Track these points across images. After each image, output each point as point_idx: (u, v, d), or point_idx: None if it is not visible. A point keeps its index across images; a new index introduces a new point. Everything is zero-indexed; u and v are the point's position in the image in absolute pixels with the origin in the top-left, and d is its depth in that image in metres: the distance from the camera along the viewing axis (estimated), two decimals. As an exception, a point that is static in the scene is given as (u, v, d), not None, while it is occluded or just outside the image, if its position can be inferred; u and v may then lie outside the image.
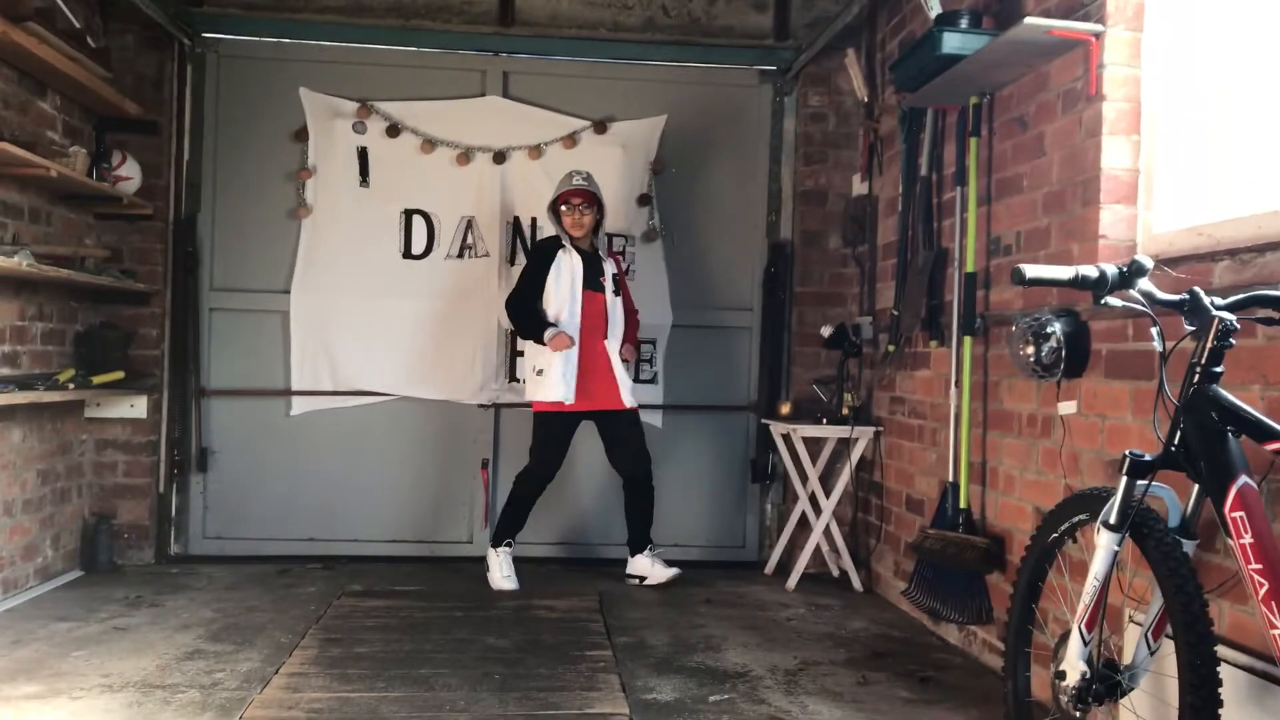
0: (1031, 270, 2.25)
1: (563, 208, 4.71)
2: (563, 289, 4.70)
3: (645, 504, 4.84)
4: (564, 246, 4.74)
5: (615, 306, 4.77)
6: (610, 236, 5.26)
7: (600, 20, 5.34)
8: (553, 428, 4.73)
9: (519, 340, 4.99)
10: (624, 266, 5.20)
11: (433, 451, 5.32)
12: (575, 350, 4.64)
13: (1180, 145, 2.98)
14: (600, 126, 5.30)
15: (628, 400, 4.73)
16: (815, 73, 5.30)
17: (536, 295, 4.72)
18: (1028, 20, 3.15)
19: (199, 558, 5.13)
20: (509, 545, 4.78)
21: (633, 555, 4.86)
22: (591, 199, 4.72)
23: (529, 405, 4.81)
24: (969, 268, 3.82)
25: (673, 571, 4.74)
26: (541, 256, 4.78)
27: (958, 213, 3.91)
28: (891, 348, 4.55)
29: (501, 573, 4.70)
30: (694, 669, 3.57)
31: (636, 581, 4.79)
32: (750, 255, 5.44)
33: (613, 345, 4.74)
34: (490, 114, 5.28)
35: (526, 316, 4.70)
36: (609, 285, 4.77)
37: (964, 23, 3.58)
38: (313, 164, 5.19)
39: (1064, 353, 3.02)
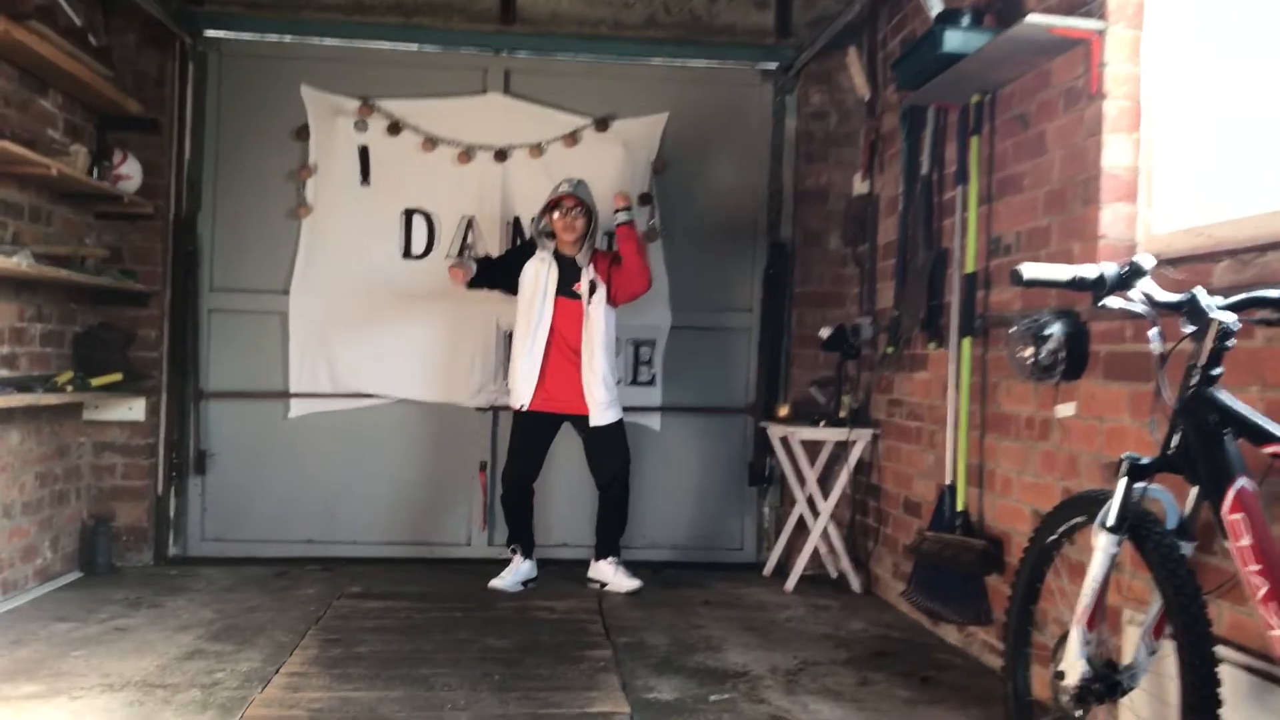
0: (1030, 271, 2.24)
1: (555, 213, 4.68)
2: (532, 293, 4.70)
3: (615, 515, 4.82)
4: (539, 254, 4.74)
5: (593, 314, 4.68)
6: (610, 236, 5.26)
7: (601, 18, 5.33)
8: (517, 427, 4.78)
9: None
10: (611, 247, 5.08)
11: (431, 453, 5.32)
12: (538, 354, 4.67)
13: (1180, 144, 2.97)
14: (601, 124, 5.29)
15: (596, 418, 4.67)
16: (816, 71, 5.29)
17: (494, 263, 4.87)
18: (1029, 18, 3.15)
19: (198, 559, 5.13)
20: (514, 551, 4.79)
21: (596, 560, 4.83)
22: (582, 205, 4.69)
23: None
24: (969, 268, 3.81)
25: (636, 583, 4.70)
26: (519, 250, 4.88)
27: (958, 212, 3.90)
28: (890, 349, 4.54)
29: (504, 577, 4.71)
30: (694, 669, 3.57)
31: (598, 586, 4.76)
32: (750, 255, 5.43)
33: (589, 358, 4.66)
34: (491, 112, 5.27)
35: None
36: (585, 292, 4.69)
37: (965, 21, 3.58)
38: (314, 162, 5.19)
39: (1063, 354, 3.01)
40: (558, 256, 4.73)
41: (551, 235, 4.75)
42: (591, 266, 4.73)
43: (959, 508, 3.79)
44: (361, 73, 5.22)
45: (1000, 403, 3.64)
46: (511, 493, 4.81)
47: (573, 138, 5.28)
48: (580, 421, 4.73)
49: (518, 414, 4.77)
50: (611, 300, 4.75)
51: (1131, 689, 2.28)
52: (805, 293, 5.36)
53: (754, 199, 5.43)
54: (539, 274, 4.71)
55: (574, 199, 4.68)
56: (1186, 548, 2.19)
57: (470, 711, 3.07)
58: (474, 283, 4.77)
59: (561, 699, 3.21)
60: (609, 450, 4.76)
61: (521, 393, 4.70)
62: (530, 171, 5.24)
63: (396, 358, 5.21)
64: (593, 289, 4.69)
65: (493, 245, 5.24)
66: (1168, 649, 2.16)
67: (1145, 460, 2.20)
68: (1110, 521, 2.22)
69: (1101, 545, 2.23)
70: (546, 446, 4.82)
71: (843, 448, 4.87)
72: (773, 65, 5.39)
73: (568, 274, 4.72)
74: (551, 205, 4.71)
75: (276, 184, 5.20)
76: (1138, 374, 2.81)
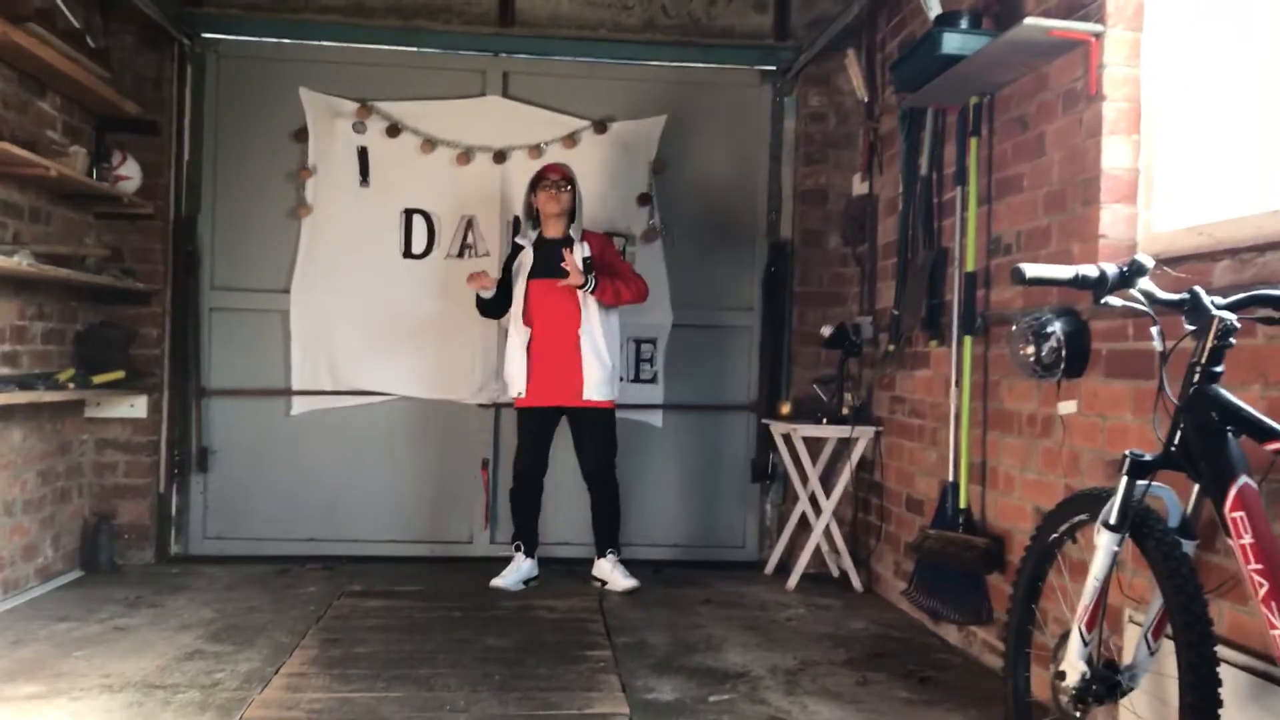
0: (1031, 270, 2.24)
1: (538, 188, 4.70)
2: (517, 284, 4.72)
3: (607, 508, 4.81)
4: (523, 246, 4.77)
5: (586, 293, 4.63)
6: (610, 235, 5.25)
7: (600, 20, 5.34)
8: (521, 421, 4.79)
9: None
10: (620, 248, 5.10)
11: (433, 451, 5.32)
12: (523, 342, 4.67)
13: (1180, 145, 2.97)
14: (600, 126, 5.30)
15: (590, 394, 4.64)
16: (815, 73, 5.30)
17: (504, 293, 4.84)
18: (1027, 21, 3.15)
19: (199, 558, 5.13)
20: (518, 549, 4.79)
21: (598, 558, 4.83)
22: (565, 177, 4.71)
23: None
24: (969, 267, 3.82)
25: (632, 582, 4.69)
26: (507, 261, 4.88)
27: (958, 212, 3.91)
28: (892, 347, 4.54)
29: (506, 576, 4.70)
30: (694, 669, 3.57)
31: (599, 584, 4.76)
32: (750, 255, 5.44)
33: (586, 333, 4.63)
34: (490, 114, 5.28)
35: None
36: (577, 266, 4.57)
37: (964, 23, 3.59)
38: (313, 164, 5.19)
39: (1064, 352, 3.01)
40: (539, 242, 4.73)
41: (536, 221, 4.76)
42: (586, 245, 4.72)
43: (961, 505, 3.79)
44: (360, 75, 5.23)
45: (1002, 400, 3.65)
46: (520, 486, 4.80)
47: (571, 139, 5.29)
48: (573, 411, 4.73)
49: (518, 408, 4.79)
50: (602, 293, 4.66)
51: (1132, 689, 2.28)
52: (805, 292, 5.37)
53: (754, 199, 5.44)
54: (521, 263, 4.74)
55: (558, 170, 4.72)
56: (1188, 546, 2.19)
57: (470, 713, 3.07)
58: (494, 313, 4.85)
59: (561, 699, 3.21)
60: (596, 436, 4.73)
61: (516, 383, 4.72)
62: (529, 172, 5.21)
63: (398, 355, 5.22)
64: (588, 266, 4.62)
65: (493, 245, 5.25)
66: (1168, 649, 2.16)
67: (1147, 457, 2.21)
68: (1112, 519, 2.22)
69: (1103, 543, 2.24)
70: (548, 440, 4.80)
71: (845, 445, 4.87)
72: (771, 67, 5.39)
73: (550, 255, 4.65)
74: (535, 181, 4.73)
75: (276, 185, 5.21)
76: (1139, 372, 2.81)
